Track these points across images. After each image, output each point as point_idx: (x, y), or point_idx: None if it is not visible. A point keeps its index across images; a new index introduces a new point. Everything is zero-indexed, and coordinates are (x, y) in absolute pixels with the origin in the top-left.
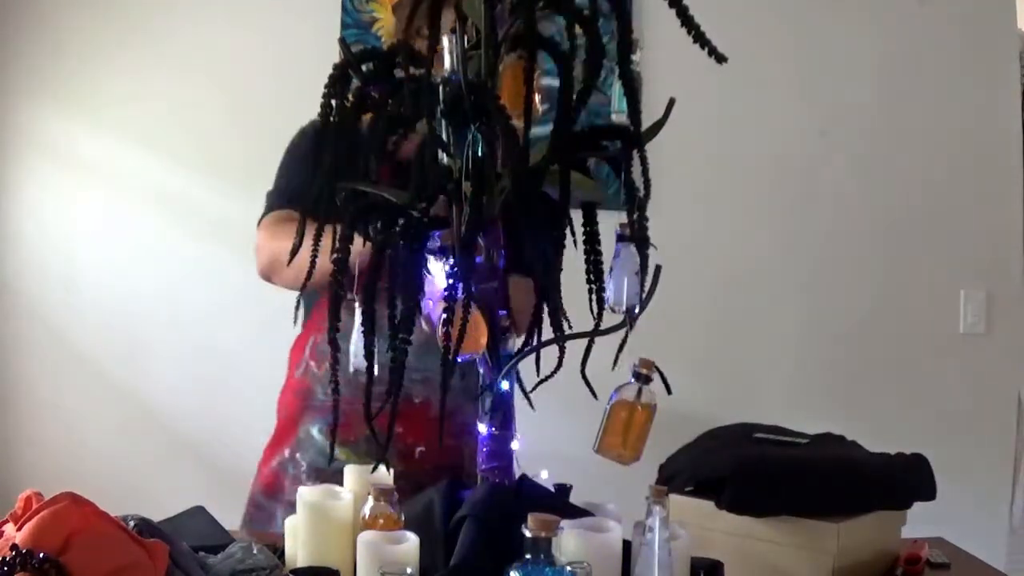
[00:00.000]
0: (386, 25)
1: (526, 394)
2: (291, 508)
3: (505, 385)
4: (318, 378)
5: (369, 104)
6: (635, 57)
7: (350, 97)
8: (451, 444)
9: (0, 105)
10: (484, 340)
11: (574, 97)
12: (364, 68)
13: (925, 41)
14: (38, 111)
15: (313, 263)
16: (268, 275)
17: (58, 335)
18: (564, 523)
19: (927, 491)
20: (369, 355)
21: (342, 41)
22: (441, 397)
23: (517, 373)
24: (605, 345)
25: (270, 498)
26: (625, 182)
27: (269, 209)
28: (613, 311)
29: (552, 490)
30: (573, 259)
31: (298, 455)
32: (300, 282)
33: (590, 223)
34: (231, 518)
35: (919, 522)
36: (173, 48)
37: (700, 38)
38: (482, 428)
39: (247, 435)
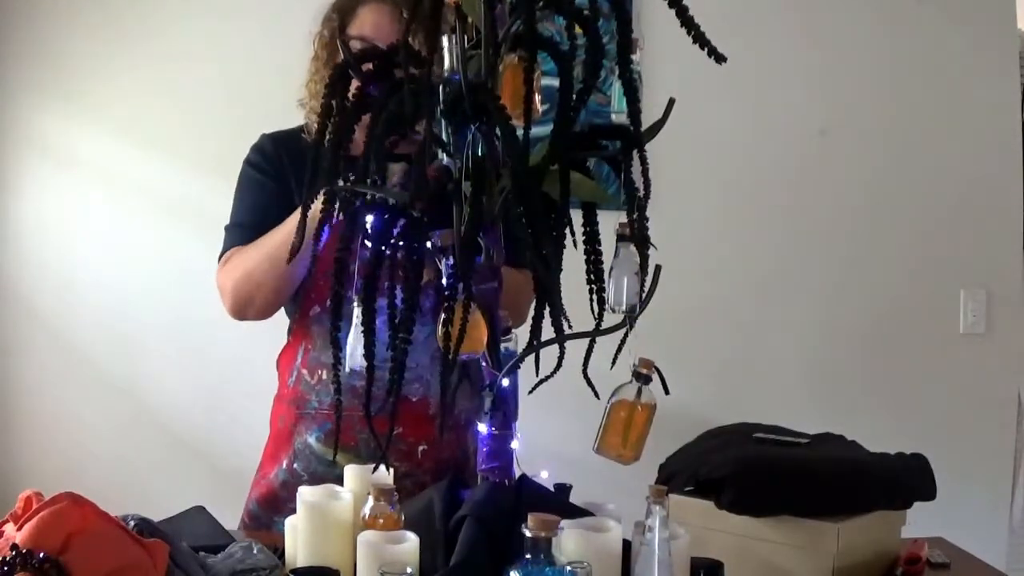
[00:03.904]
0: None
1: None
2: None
3: (506, 382)
4: (312, 387)
5: (369, 104)
6: (635, 57)
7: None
8: (452, 438)
9: (0, 105)
10: (484, 339)
11: (574, 97)
12: (364, 68)
13: (925, 41)
14: (38, 111)
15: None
16: (242, 307)
17: (57, 335)
18: (564, 523)
19: (927, 491)
20: (369, 355)
21: (342, 41)
22: (441, 397)
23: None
24: (605, 345)
25: (267, 509)
26: (625, 182)
27: (225, 247)
28: (613, 311)
29: (552, 490)
30: (573, 259)
31: (296, 465)
32: (281, 282)
33: (590, 223)
34: (231, 518)
35: (919, 522)
36: (173, 47)
37: (700, 38)
38: (482, 428)
39: (247, 435)
